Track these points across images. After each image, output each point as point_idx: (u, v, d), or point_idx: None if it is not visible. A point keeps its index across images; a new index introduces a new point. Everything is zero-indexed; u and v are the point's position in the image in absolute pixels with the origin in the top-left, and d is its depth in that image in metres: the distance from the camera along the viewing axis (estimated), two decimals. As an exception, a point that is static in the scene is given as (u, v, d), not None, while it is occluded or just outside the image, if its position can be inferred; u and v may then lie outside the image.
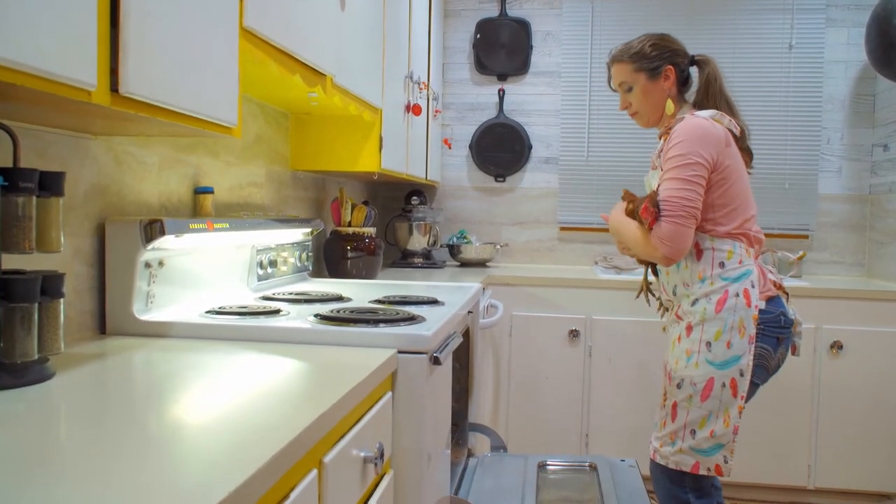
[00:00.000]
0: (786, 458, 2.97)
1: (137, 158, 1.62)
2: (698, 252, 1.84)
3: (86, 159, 1.45)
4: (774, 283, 1.86)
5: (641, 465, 2.32)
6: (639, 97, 1.98)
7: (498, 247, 3.55)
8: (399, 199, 3.62)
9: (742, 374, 1.77)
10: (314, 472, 0.95)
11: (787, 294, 1.91)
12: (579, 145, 3.65)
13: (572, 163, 3.67)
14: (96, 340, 1.45)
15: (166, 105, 1.12)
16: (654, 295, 2.06)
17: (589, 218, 3.62)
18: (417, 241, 3.44)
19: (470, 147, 3.74)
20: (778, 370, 1.89)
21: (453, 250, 3.51)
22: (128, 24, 1.02)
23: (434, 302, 1.89)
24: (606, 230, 3.13)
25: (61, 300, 1.12)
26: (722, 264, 1.81)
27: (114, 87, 1.02)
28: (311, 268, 2.45)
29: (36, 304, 1.07)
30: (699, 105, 1.95)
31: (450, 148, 3.74)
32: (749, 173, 1.92)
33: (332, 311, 1.62)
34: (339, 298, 1.91)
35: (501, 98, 3.71)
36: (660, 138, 1.98)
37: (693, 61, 2.00)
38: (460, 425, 2.28)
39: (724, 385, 1.77)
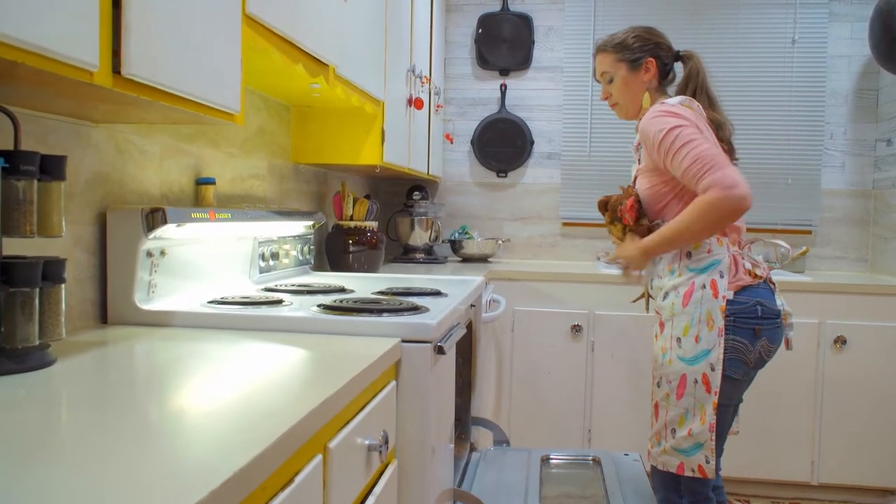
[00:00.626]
0: (789, 453, 2.96)
1: (139, 147, 1.61)
2: None
3: (87, 147, 1.44)
4: (751, 273, 1.77)
5: (645, 460, 2.31)
6: (619, 88, 1.98)
7: (500, 242, 3.53)
8: (401, 194, 3.60)
9: (713, 369, 1.70)
10: (319, 458, 0.94)
11: (774, 284, 1.83)
12: (581, 140, 3.64)
13: (574, 158, 3.65)
14: (98, 329, 1.44)
15: (168, 88, 1.11)
16: (654, 299, 2.02)
17: (591, 213, 3.60)
18: (419, 237, 3.43)
19: (472, 142, 3.72)
20: (764, 364, 1.80)
21: (455, 246, 3.50)
22: (130, 5, 1.01)
23: (437, 293, 1.88)
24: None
25: (62, 286, 1.11)
26: (689, 254, 1.77)
27: (116, 69, 1.01)
28: (312, 261, 2.44)
29: (37, 289, 1.06)
30: (676, 94, 1.93)
31: (451, 143, 3.73)
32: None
33: (335, 302, 1.61)
34: (342, 290, 1.90)
35: (503, 93, 3.70)
36: (637, 131, 1.96)
37: (678, 56, 1.98)
38: (463, 419, 2.26)
39: (696, 381, 1.72)
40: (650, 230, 1.86)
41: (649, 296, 2.01)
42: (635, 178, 1.96)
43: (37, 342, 1.06)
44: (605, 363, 3.03)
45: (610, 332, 3.02)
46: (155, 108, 1.21)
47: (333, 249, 2.66)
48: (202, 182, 1.85)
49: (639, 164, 1.94)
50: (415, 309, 1.55)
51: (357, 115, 2.46)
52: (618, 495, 2.01)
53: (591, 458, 2.27)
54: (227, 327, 1.47)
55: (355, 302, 1.61)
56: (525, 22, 3.65)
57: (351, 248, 2.63)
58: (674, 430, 1.75)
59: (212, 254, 1.80)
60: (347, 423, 1.08)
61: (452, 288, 2.03)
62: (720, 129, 1.87)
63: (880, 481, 2.93)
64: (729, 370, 1.73)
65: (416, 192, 3.46)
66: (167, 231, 1.52)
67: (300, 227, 2.29)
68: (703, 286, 1.73)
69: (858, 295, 2.91)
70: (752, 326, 1.74)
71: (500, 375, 3.10)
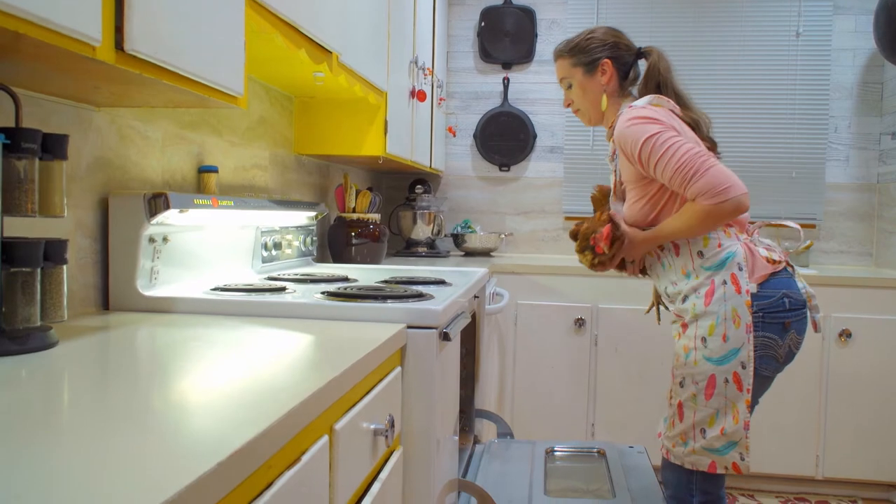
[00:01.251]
0: (794, 447, 2.94)
1: (141, 133, 1.60)
2: (675, 247, 1.74)
3: (88, 131, 1.42)
4: (769, 260, 1.70)
5: (650, 453, 2.30)
6: (578, 93, 1.91)
7: (503, 236, 3.52)
8: (403, 188, 3.59)
9: (744, 367, 1.65)
10: (325, 439, 0.92)
11: (793, 267, 1.76)
12: (584, 134, 3.62)
13: (577, 152, 3.64)
14: (99, 315, 1.42)
15: (171, 66, 1.09)
16: (667, 308, 1.92)
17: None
18: (421, 231, 3.41)
19: (474, 136, 3.71)
20: (793, 358, 1.74)
21: (458, 240, 3.48)
22: (133, -20, 0.99)
23: (441, 282, 1.87)
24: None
25: (64, 267, 1.09)
26: (700, 253, 1.70)
27: (119, 45, 0.99)
28: (315, 253, 2.42)
29: (38, 270, 1.04)
30: (640, 95, 1.85)
31: (454, 136, 3.71)
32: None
33: (339, 289, 1.60)
34: (345, 279, 1.89)
35: (506, 87, 3.68)
36: (609, 140, 1.89)
37: (640, 54, 1.90)
38: (467, 411, 2.25)
39: (726, 381, 1.65)
40: (623, 261, 1.83)
41: (660, 304, 1.97)
42: (613, 188, 1.89)
43: (38, 323, 1.05)
44: (608, 357, 3.01)
45: (613, 326, 3.00)
46: (157, 88, 1.20)
47: (336, 241, 2.64)
48: (205, 170, 1.83)
49: (615, 175, 1.88)
50: (420, 296, 1.53)
51: (360, 105, 2.45)
52: (624, 487, 1.99)
53: (596, 450, 2.26)
54: (230, 313, 1.45)
55: (360, 289, 1.59)
56: (528, 15, 3.64)
57: (353, 241, 2.61)
58: (703, 430, 1.68)
59: (214, 242, 1.78)
60: (353, 405, 1.07)
61: (456, 278, 2.02)
62: (697, 129, 1.78)
63: (885, 475, 2.91)
64: (759, 367, 1.67)
65: (419, 186, 3.44)
66: (170, 217, 1.51)
67: (303, 217, 2.27)
68: (724, 282, 1.66)
69: (863, 288, 2.90)
70: (782, 321, 1.67)
71: (503, 369, 3.08)
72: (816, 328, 1.77)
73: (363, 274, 2.07)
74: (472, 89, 3.73)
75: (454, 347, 1.67)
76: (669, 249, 1.75)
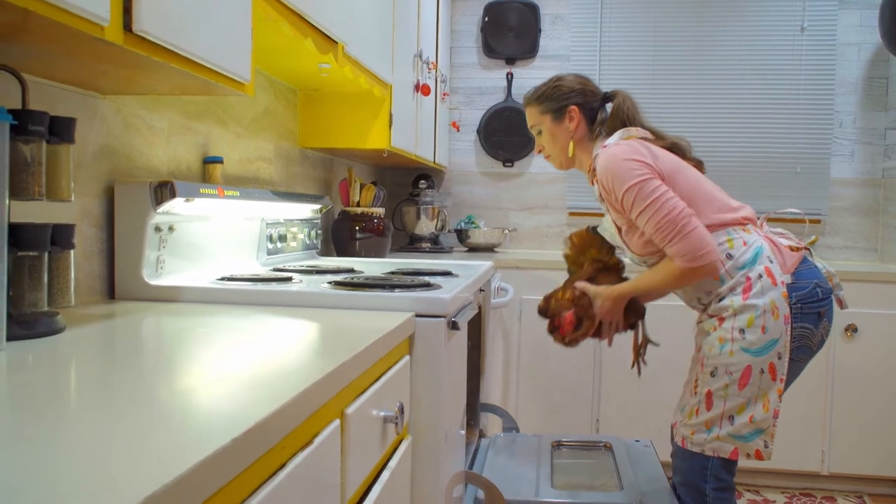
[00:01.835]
0: (799, 443, 2.93)
1: (146, 122, 1.59)
2: None
3: (94, 119, 1.41)
4: (791, 248, 1.75)
5: (656, 447, 2.28)
6: (548, 140, 1.92)
7: (506, 232, 3.51)
8: (406, 184, 3.58)
9: (780, 358, 1.68)
10: (336, 423, 0.91)
11: (810, 250, 1.80)
12: (588, 130, 3.61)
13: (581, 147, 3.62)
14: (105, 304, 1.41)
15: (179, 49, 1.08)
16: (645, 363, 1.97)
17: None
18: (425, 226, 3.40)
19: (478, 132, 3.70)
20: (823, 345, 1.78)
21: (461, 235, 3.47)
22: (142, -39, 0.98)
23: (448, 273, 1.86)
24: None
25: (71, 252, 1.08)
26: (729, 256, 1.72)
27: (127, 26, 0.98)
28: (319, 246, 2.41)
29: (45, 254, 1.03)
30: (608, 135, 1.86)
31: (458, 130, 3.70)
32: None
33: (346, 279, 1.59)
34: (351, 271, 1.88)
35: (510, 82, 3.67)
36: (591, 183, 1.90)
37: (606, 98, 1.92)
38: (473, 405, 2.24)
39: (762, 371, 1.68)
40: (599, 328, 1.85)
41: (640, 359, 1.97)
42: (617, 229, 1.89)
43: (45, 308, 1.04)
44: (613, 352, 2.99)
45: (618, 321, 2.98)
46: (164, 72, 1.19)
47: (340, 235, 2.63)
48: (210, 161, 1.82)
49: (609, 214, 1.88)
50: (427, 286, 1.52)
51: (365, 98, 2.44)
52: (631, 480, 1.98)
53: (602, 443, 2.25)
54: (238, 302, 1.44)
55: (367, 279, 1.58)
56: (531, 10, 3.63)
57: (357, 235, 2.60)
58: (731, 418, 1.69)
59: (220, 233, 1.77)
60: (364, 391, 1.06)
61: (462, 271, 2.01)
62: (678, 151, 1.81)
63: (891, 471, 2.90)
64: (795, 357, 1.70)
65: (423, 181, 3.43)
66: (175, 206, 1.50)
67: (307, 210, 2.26)
68: (760, 276, 1.69)
69: (869, 283, 2.88)
70: (817, 310, 1.71)
71: (507, 363, 3.07)
72: (842, 305, 1.81)
73: (369, 266, 2.06)
74: (475, 84, 3.71)
75: (462, 337, 1.66)
76: None
